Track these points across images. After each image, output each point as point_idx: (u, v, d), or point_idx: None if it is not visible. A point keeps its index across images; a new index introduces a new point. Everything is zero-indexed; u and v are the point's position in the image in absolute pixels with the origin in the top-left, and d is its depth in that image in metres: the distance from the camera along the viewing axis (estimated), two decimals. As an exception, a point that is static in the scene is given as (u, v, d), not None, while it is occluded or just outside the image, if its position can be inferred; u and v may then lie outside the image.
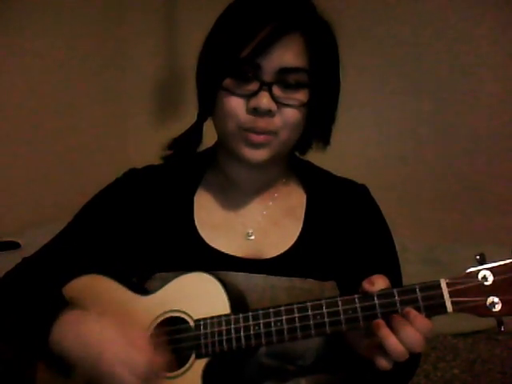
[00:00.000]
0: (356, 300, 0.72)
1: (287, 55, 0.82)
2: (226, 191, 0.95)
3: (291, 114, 0.84)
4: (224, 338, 0.76)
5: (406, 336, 0.68)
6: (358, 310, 0.72)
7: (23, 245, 2.04)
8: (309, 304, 0.74)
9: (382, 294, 0.72)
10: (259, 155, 0.85)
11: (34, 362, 0.84)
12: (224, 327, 0.76)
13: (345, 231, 0.93)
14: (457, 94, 2.49)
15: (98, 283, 0.86)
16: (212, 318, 0.78)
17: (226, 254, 0.90)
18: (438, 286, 0.70)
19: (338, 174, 1.01)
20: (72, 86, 2.53)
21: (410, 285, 0.71)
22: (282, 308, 0.75)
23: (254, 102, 0.82)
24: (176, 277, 0.82)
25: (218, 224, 0.93)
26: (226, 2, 0.88)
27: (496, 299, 0.68)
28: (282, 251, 0.90)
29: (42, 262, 0.93)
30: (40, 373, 0.84)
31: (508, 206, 2.41)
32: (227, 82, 0.83)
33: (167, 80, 2.80)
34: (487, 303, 0.68)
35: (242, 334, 0.76)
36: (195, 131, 0.93)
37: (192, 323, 0.79)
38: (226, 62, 0.83)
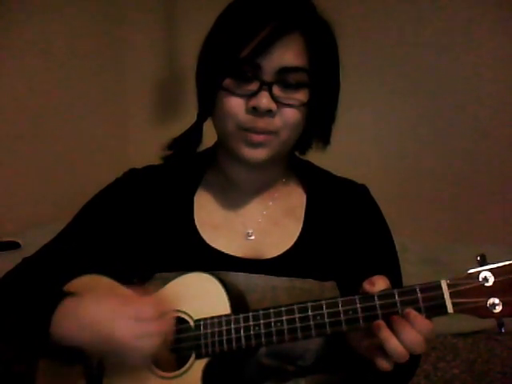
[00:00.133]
0: (356, 300, 0.72)
1: (287, 55, 0.82)
2: (226, 191, 0.95)
3: (291, 114, 0.84)
4: (224, 338, 0.76)
5: (406, 337, 0.68)
6: (359, 310, 0.72)
7: (23, 245, 2.04)
8: (309, 304, 0.74)
9: (383, 295, 0.71)
10: (259, 155, 0.85)
11: (35, 361, 0.84)
12: (224, 327, 0.76)
13: (345, 231, 0.93)
14: (457, 93, 2.49)
15: (98, 283, 0.86)
16: (212, 318, 0.78)
17: (226, 254, 0.90)
18: (439, 287, 0.70)
19: (338, 174, 1.01)
20: (72, 86, 2.53)
21: (411, 285, 0.71)
22: (283, 308, 0.75)
23: (253, 102, 0.82)
24: (176, 277, 0.82)
25: (218, 224, 0.93)
26: (225, 2, 0.88)
27: (496, 300, 0.68)
28: (282, 251, 0.90)
29: (42, 262, 0.93)
30: (40, 373, 0.84)
31: (508, 206, 2.41)
32: (227, 81, 0.83)
33: (167, 80, 2.80)
34: (488, 304, 0.68)
35: (242, 334, 0.76)
36: (195, 131, 0.93)
37: (192, 323, 0.79)
38: (225, 61, 0.83)
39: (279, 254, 0.90)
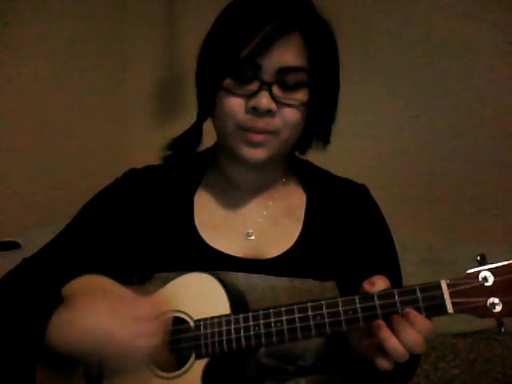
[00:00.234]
0: (356, 300, 0.72)
1: (287, 55, 0.82)
2: (226, 191, 0.95)
3: (291, 114, 0.84)
4: (224, 338, 0.76)
5: (406, 337, 0.68)
6: (359, 310, 0.72)
7: (23, 245, 2.03)
8: (309, 304, 0.74)
9: (383, 295, 0.71)
10: (258, 155, 0.85)
11: (34, 363, 0.84)
12: (224, 327, 0.76)
13: (345, 231, 0.93)
14: (457, 93, 2.48)
15: (98, 283, 0.86)
16: (212, 318, 0.78)
17: (226, 254, 0.90)
18: (439, 287, 0.70)
19: (338, 174, 1.01)
20: (72, 86, 2.52)
21: (411, 285, 0.71)
22: (283, 308, 0.75)
23: (253, 102, 0.82)
24: (176, 277, 0.82)
25: (218, 224, 0.93)
26: (225, 2, 0.88)
27: (496, 300, 0.68)
28: (282, 251, 0.90)
29: (42, 263, 0.93)
30: (40, 373, 0.84)
31: (508, 205, 2.41)
32: (227, 81, 0.83)
33: (167, 80, 2.80)
34: (487, 304, 0.68)
35: (242, 334, 0.75)
36: (195, 131, 0.93)
37: (192, 323, 0.79)
38: (225, 61, 0.83)
39: (279, 254, 0.90)
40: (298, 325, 0.74)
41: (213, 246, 0.90)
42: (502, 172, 2.44)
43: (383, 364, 0.70)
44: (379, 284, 0.72)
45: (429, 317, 0.70)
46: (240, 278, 0.86)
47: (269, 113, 0.82)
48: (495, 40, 2.39)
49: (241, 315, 0.76)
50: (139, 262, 0.90)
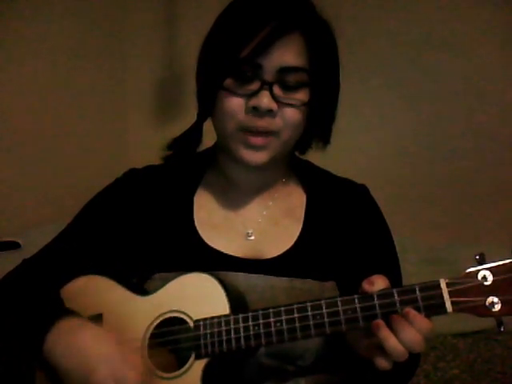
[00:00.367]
0: (356, 300, 0.72)
1: (287, 55, 0.82)
2: (226, 191, 0.95)
3: (292, 114, 0.84)
4: (224, 338, 0.76)
5: (405, 336, 0.68)
6: (358, 310, 0.72)
7: (23, 245, 2.04)
8: (308, 304, 0.74)
9: (382, 294, 0.71)
10: (258, 158, 0.85)
11: (33, 363, 0.84)
12: (224, 328, 0.76)
13: (345, 231, 0.93)
14: (457, 94, 2.49)
15: (98, 283, 0.86)
16: (212, 318, 0.77)
17: (226, 254, 0.89)
18: (438, 286, 0.70)
19: (338, 174, 1.01)
20: (72, 86, 2.52)
21: (410, 285, 0.71)
22: (282, 308, 0.75)
23: (254, 102, 0.82)
24: (176, 277, 0.82)
25: (218, 224, 0.93)
26: (225, 2, 0.88)
27: (495, 299, 0.68)
28: (281, 251, 0.90)
29: (42, 263, 0.92)
30: (40, 373, 0.84)
31: (508, 205, 2.41)
32: (227, 81, 0.83)
33: (167, 80, 2.80)
34: (487, 303, 0.68)
35: (241, 334, 0.75)
36: (195, 131, 0.93)
37: (191, 324, 0.78)
38: (226, 61, 0.83)
39: (279, 254, 0.90)
40: (297, 325, 0.74)
41: (212, 246, 0.90)
42: (502, 172, 2.44)
43: (383, 363, 0.70)
44: (378, 283, 0.72)
45: (428, 316, 0.70)
46: (240, 278, 0.86)
47: (269, 113, 0.82)
48: (495, 40, 2.39)
49: (240, 315, 0.76)
50: (139, 262, 0.90)
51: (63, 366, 0.75)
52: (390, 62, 2.56)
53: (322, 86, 0.87)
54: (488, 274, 0.69)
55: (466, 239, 2.30)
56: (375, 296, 0.71)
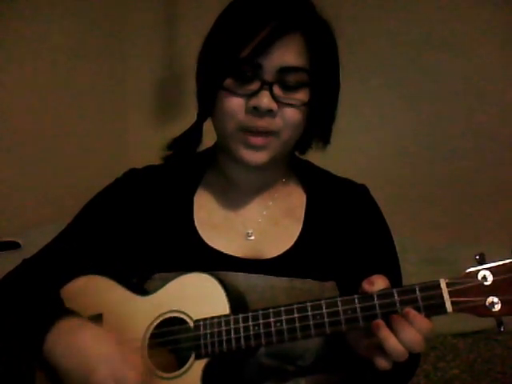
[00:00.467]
0: (356, 300, 0.72)
1: (287, 55, 0.82)
2: (226, 191, 0.95)
3: (292, 114, 0.84)
4: (224, 338, 0.76)
5: (405, 336, 0.68)
6: (358, 310, 0.72)
7: (23, 245, 2.04)
8: (308, 304, 0.74)
9: (382, 294, 0.71)
10: (258, 158, 0.85)
11: (33, 363, 0.84)
12: (224, 328, 0.76)
13: (345, 231, 0.93)
14: (457, 94, 2.49)
15: (98, 283, 0.86)
16: (212, 318, 0.77)
17: (226, 254, 0.89)
18: (438, 286, 0.70)
19: (338, 174, 1.01)
20: (72, 86, 2.53)
21: (410, 285, 0.71)
22: (282, 308, 0.75)
23: (254, 102, 0.82)
24: (176, 277, 0.82)
25: (218, 224, 0.93)
26: (225, 2, 0.88)
27: (495, 299, 0.68)
28: (281, 251, 0.90)
29: (42, 263, 0.92)
30: (40, 373, 0.84)
31: (508, 205, 2.41)
32: (227, 81, 0.83)
33: (167, 80, 2.80)
34: (487, 303, 0.68)
35: (241, 334, 0.75)
36: (195, 131, 0.93)
37: (191, 324, 0.78)
38: (226, 61, 0.83)
39: (279, 254, 0.90)
40: (297, 324, 0.74)
41: (212, 246, 0.90)
42: (502, 172, 2.44)
43: (382, 363, 0.70)
44: (378, 283, 0.72)
45: (428, 316, 0.70)
46: (240, 278, 0.86)
47: (269, 113, 0.82)
48: (495, 40, 2.39)
49: (240, 315, 0.76)
50: (139, 262, 0.90)
51: (63, 365, 0.75)
52: (390, 62, 2.56)
53: (322, 85, 0.87)
54: (488, 273, 0.69)
55: (466, 239, 2.30)
56: (375, 296, 0.71)
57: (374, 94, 2.60)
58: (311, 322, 0.73)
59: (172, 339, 0.80)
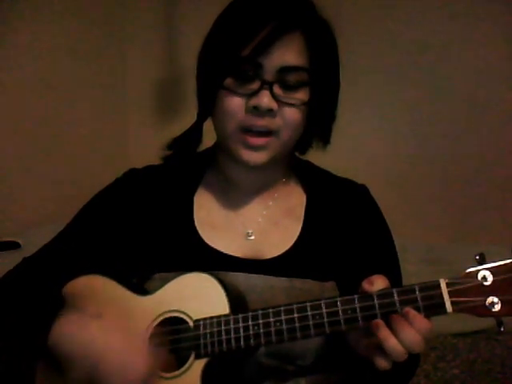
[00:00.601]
0: (355, 300, 0.72)
1: (288, 54, 0.82)
2: (226, 191, 0.95)
3: (292, 114, 0.84)
4: (223, 338, 0.76)
5: (405, 336, 0.68)
6: (358, 310, 0.72)
7: (23, 245, 2.03)
8: (308, 304, 0.74)
9: (382, 294, 0.71)
10: (258, 158, 0.85)
11: (34, 362, 0.84)
12: (223, 327, 0.76)
13: (345, 231, 0.93)
14: (457, 94, 2.48)
15: (98, 283, 0.86)
16: (211, 318, 0.78)
17: (226, 254, 0.89)
18: (438, 286, 0.70)
19: (338, 174, 1.01)
20: (72, 86, 2.52)
21: (410, 285, 0.71)
22: (282, 308, 0.75)
23: (254, 101, 0.82)
24: (176, 277, 0.82)
25: (218, 224, 0.93)
26: (225, 2, 0.88)
27: (495, 299, 0.68)
28: (281, 251, 0.90)
29: (42, 262, 0.93)
30: (40, 373, 0.84)
31: (508, 205, 2.41)
32: (227, 81, 0.83)
33: (167, 80, 2.80)
34: (487, 303, 0.68)
35: (241, 334, 0.76)
36: (195, 131, 0.94)
37: (191, 323, 0.79)
38: (226, 61, 0.83)
39: (279, 254, 0.90)
40: (297, 324, 0.74)
41: (212, 245, 0.90)
42: (502, 172, 2.44)
43: (382, 363, 0.70)
44: (378, 283, 0.72)
45: (428, 316, 0.70)
46: (239, 278, 0.86)
47: (270, 112, 0.82)
48: (495, 40, 2.39)
49: (240, 315, 0.76)
50: (139, 262, 0.90)
51: (69, 355, 0.74)
52: (390, 62, 2.55)
53: (322, 85, 0.87)
54: (488, 274, 0.69)
55: (466, 239, 2.30)
56: (375, 296, 0.72)
57: (374, 94, 2.59)
58: (311, 322, 0.73)
59: (172, 339, 0.80)
